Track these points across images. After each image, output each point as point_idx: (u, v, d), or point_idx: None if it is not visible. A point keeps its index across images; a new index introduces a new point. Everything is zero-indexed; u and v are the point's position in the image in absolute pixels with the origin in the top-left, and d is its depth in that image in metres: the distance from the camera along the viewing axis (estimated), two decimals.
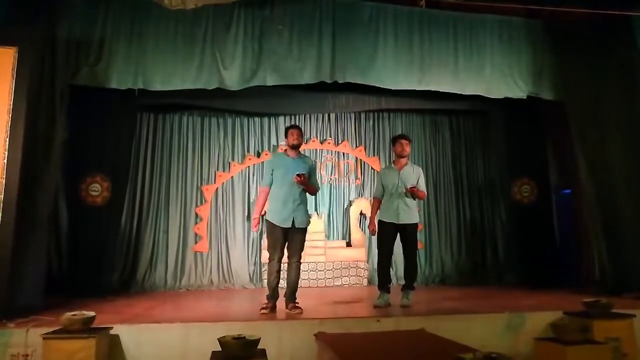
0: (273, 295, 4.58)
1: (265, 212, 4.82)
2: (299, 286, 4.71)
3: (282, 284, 4.76)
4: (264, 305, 4.55)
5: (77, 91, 5.46)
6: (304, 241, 4.70)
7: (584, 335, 3.59)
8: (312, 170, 4.74)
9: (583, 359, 3.43)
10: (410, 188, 4.77)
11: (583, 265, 6.75)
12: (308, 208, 7.29)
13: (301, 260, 4.68)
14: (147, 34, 5.49)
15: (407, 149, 4.97)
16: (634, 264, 5.56)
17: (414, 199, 4.94)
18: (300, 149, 4.85)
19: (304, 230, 4.67)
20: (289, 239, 4.62)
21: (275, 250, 4.58)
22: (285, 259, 4.67)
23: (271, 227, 4.61)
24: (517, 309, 4.54)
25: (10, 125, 4.51)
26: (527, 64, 6.08)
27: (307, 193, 4.75)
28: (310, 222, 4.81)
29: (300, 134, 4.79)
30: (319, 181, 7.50)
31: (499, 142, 7.32)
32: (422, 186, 4.96)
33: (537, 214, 7.09)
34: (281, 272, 4.65)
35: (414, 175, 4.93)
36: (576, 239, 6.99)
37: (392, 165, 5.11)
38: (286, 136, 4.77)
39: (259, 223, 4.74)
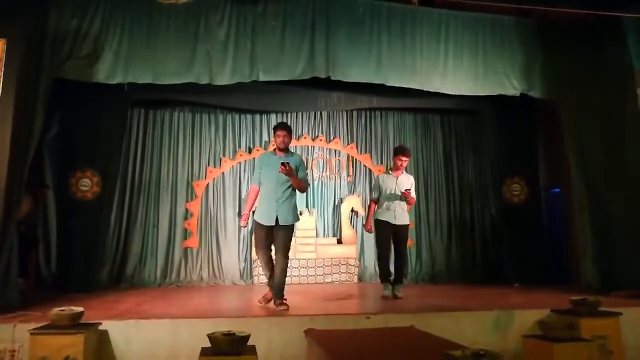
0: (271, 285, 4.71)
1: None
2: (289, 282, 4.76)
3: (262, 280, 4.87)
4: (264, 295, 4.76)
5: (68, 85, 5.41)
6: (290, 239, 4.67)
7: (571, 333, 3.62)
8: (299, 166, 4.67)
9: (570, 356, 3.46)
10: (405, 191, 5.28)
11: (572, 263, 6.82)
12: (299, 204, 7.39)
13: (288, 258, 4.66)
14: (138, 29, 5.42)
15: (405, 164, 5.53)
16: (623, 262, 5.61)
17: (406, 203, 5.39)
18: (289, 147, 4.81)
19: (287, 228, 4.63)
20: (274, 236, 4.63)
21: (259, 247, 4.70)
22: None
23: (256, 225, 4.70)
24: (506, 306, 4.57)
25: None
26: (519, 62, 6.09)
27: (296, 190, 4.69)
28: (297, 219, 4.79)
29: (288, 135, 4.71)
30: (309, 178, 7.61)
31: (489, 141, 7.37)
32: (413, 193, 5.44)
33: (527, 213, 7.16)
34: (273, 262, 4.73)
35: (408, 182, 5.47)
36: (565, 238, 7.06)
37: (391, 172, 5.61)
38: (274, 135, 4.80)
39: (247, 219, 4.80)
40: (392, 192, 5.38)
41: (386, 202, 5.39)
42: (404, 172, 5.58)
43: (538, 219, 7.28)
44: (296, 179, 4.57)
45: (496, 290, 6.12)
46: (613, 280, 5.55)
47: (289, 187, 4.61)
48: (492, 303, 4.91)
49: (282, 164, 4.40)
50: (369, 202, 5.82)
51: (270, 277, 4.68)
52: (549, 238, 7.24)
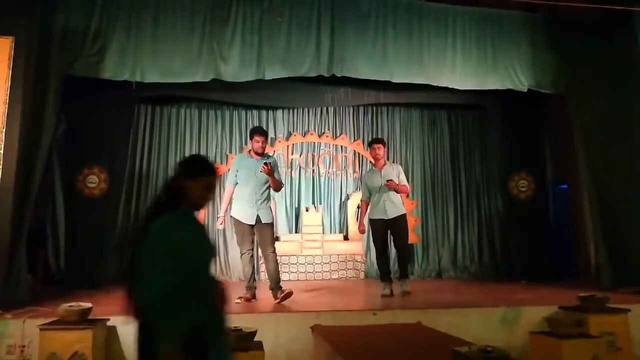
0: (250, 286, 4.82)
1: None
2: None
3: (264, 277, 5.06)
4: (241, 296, 4.77)
5: (75, 82, 5.43)
6: (273, 233, 4.97)
7: (578, 330, 3.61)
8: (274, 167, 4.88)
9: (577, 353, 3.45)
10: (387, 181, 5.12)
11: (579, 260, 6.79)
12: (306, 201, 7.42)
13: (275, 251, 4.85)
14: (145, 26, 5.44)
15: (380, 152, 5.34)
16: (631, 259, 5.58)
17: (397, 193, 5.24)
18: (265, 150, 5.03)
19: (270, 225, 4.87)
20: (256, 234, 4.82)
21: (243, 244, 4.82)
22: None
23: (237, 223, 4.83)
24: (513, 303, 4.56)
25: (6, 115, 4.49)
26: (527, 57, 6.06)
27: (271, 190, 4.90)
28: (274, 218, 5.03)
29: (266, 141, 4.97)
30: (316, 174, 7.63)
31: (496, 137, 7.33)
32: (403, 181, 5.32)
33: (534, 209, 7.12)
34: (255, 262, 5.03)
35: (394, 172, 5.30)
36: (573, 234, 7.02)
37: (373, 167, 5.46)
38: (251, 139, 4.96)
39: (224, 220, 4.97)
40: (380, 187, 5.22)
41: (376, 199, 5.26)
42: (388, 162, 5.45)
43: (545, 215, 7.24)
44: (274, 179, 4.79)
45: (503, 287, 6.11)
46: (621, 276, 5.52)
47: (267, 188, 4.84)
48: (499, 299, 4.90)
49: (265, 164, 4.65)
50: (360, 203, 5.68)
51: (251, 276, 4.83)
52: (556, 234, 7.20)
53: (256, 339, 3.21)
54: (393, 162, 5.64)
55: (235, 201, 4.86)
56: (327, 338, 3.25)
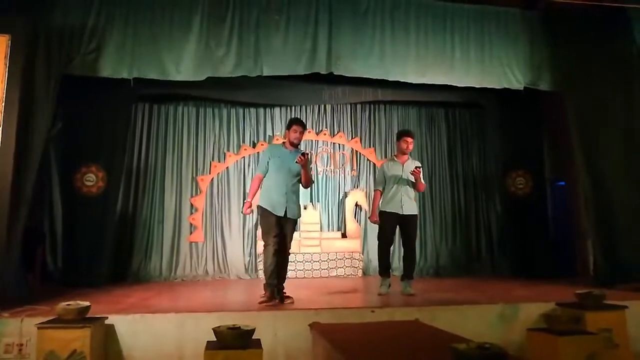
0: (271, 283, 4.48)
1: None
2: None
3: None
4: (262, 295, 4.48)
5: (72, 81, 5.41)
6: (294, 232, 4.77)
7: (576, 326, 3.62)
8: (309, 161, 4.78)
9: (574, 350, 3.45)
10: (417, 168, 4.95)
11: (577, 256, 6.81)
12: (304, 198, 7.41)
13: (290, 251, 4.76)
14: (142, 23, 5.43)
15: (411, 147, 5.19)
16: (628, 255, 5.59)
17: (414, 190, 5.11)
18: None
19: (294, 222, 4.74)
20: (281, 227, 4.61)
21: (269, 235, 4.52)
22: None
23: (265, 213, 4.57)
24: (511, 299, 4.57)
25: (3, 113, 4.48)
26: (525, 55, 6.07)
27: (300, 184, 4.74)
28: (301, 214, 4.87)
29: (303, 132, 4.79)
30: (314, 172, 7.63)
31: (494, 135, 7.35)
32: (421, 179, 5.12)
33: (532, 206, 7.14)
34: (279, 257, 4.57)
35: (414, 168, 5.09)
36: (570, 231, 7.04)
37: (395, 159, 5.25)
38: (288, 129, 4.75)
39: (250, 206, 4.60)
40: (399, 179, 5.04)
41: (392, 191, 5.04)
42: (410, 158, 5.24)
43: (543, 212, 7.25)
44: (307, 172, 4.65)
45: (501, 284, 6.12)
46: (618, 273, 5.53)
47: (298, 180, 4.69)
48: (497, 296, 4.91)
49: (303, 154, 4.51)
50: (373, 193, 5.49)
51: (273, 271, 4.46)
52: (554, 231, 7.22)
53: (254, 336, 3.20)
54: (414, 159, 5.39)
55: (264, 192, 4.64)
56: (326, 335, 3.26)
